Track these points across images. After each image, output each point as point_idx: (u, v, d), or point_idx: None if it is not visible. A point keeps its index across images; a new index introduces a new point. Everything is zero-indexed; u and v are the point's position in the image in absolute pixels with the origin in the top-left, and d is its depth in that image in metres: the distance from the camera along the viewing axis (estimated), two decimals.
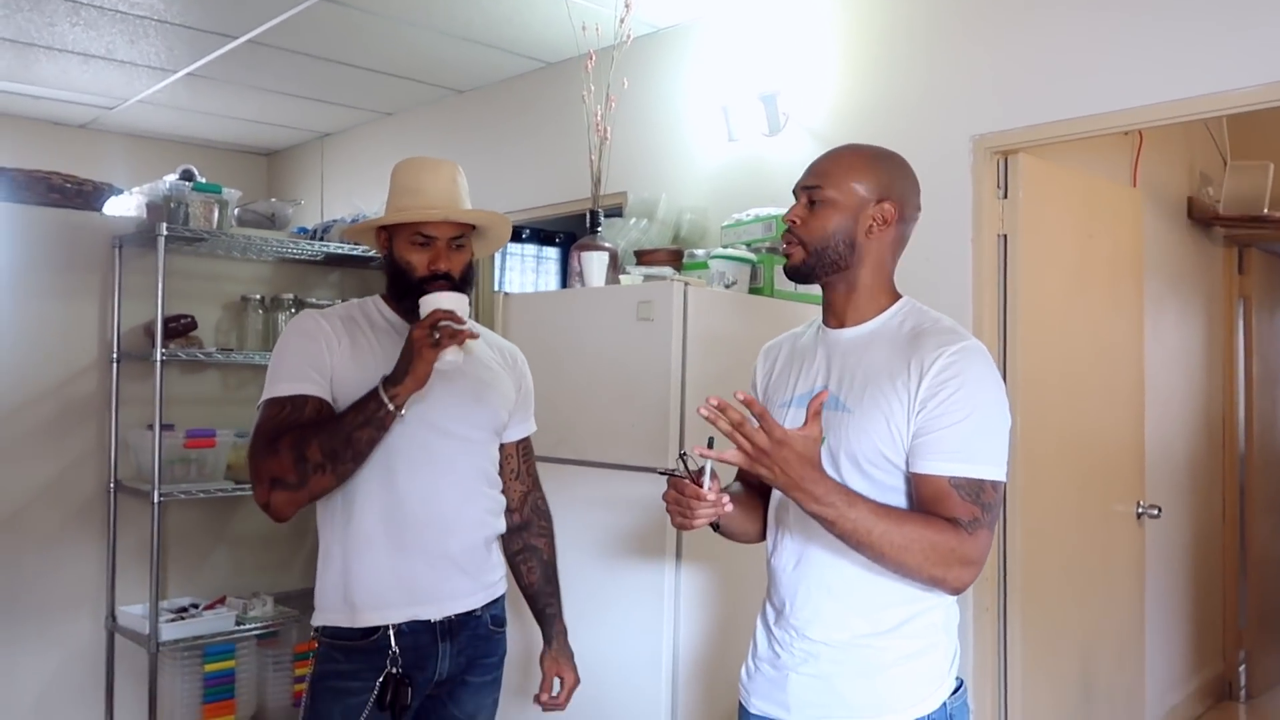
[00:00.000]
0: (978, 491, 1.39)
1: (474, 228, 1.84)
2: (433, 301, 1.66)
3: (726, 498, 1.44)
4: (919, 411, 1.42)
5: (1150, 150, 3.75)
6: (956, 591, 1.42)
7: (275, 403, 1.67)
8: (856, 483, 1.45)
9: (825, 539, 1.48)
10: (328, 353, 1.71)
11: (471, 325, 1.88)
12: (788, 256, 1.56)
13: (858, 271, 1.53)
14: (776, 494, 1.61)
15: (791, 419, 1.54)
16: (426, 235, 1.75)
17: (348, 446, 1.61)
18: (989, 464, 1.40)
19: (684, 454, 1.45)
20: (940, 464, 1.40)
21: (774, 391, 1.63)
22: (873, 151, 1.56)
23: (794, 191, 1.58)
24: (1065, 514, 2.98)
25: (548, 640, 2.01)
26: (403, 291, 1.78)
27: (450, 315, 1.62)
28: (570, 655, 2.01)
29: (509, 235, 1.94)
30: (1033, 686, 2.81)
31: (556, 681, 1.98)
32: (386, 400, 1.61)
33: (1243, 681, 4.45)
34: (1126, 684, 3.29)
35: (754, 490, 1.70)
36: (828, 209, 1.51)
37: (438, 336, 1.60)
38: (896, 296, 1.57)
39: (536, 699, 1.98)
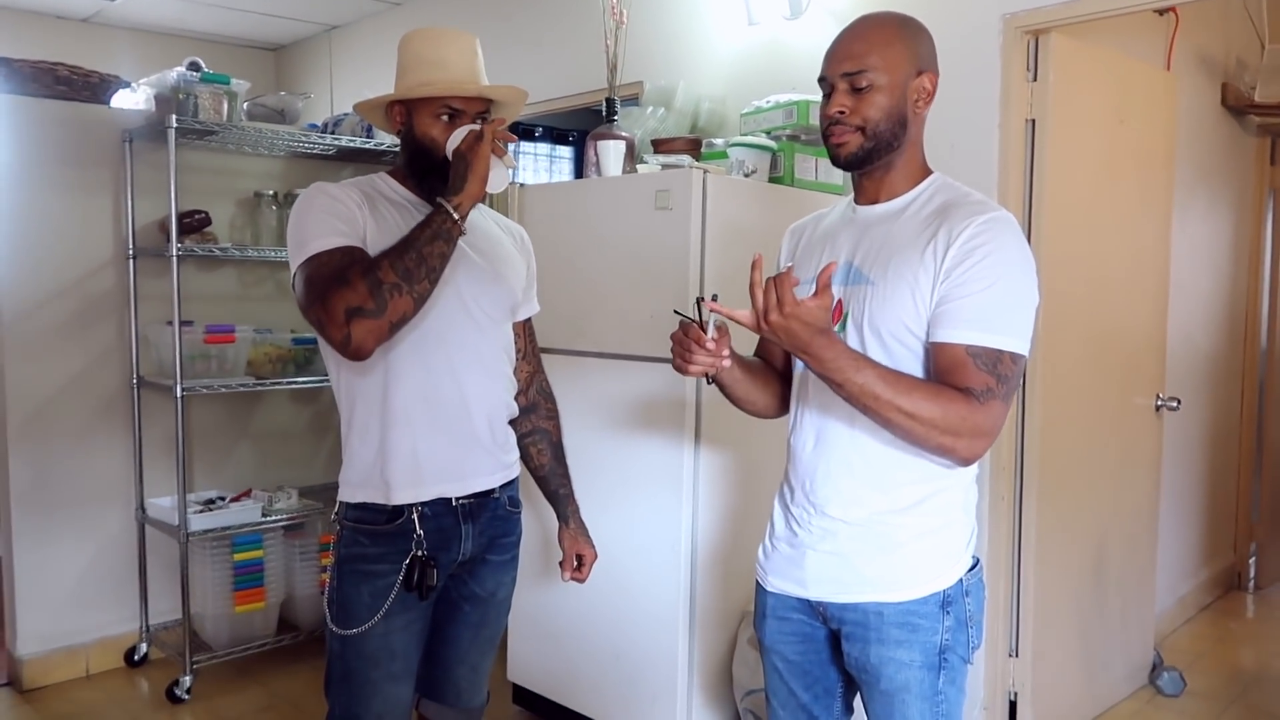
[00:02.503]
0: (994, 362, 1.37)
1: (493, 102, 1.80)
2: (463, 132, 1.64)
3: (727, 352, 1.46)
4: (943, 280, 1.39)
5: (1186, 33, 3.60)
6: (967, 462, 1.42)
7: (323, 254, 1.59)
8: (878, 355, 1.44)
9: (844, 418, 1.48)
10: (360, 217, 1.67)
11: (480, 208, 1.86)
12: (841, 145, 1.47)
13: (904, 150, 1.49)
14: (797, 374, 1.60)
15: None
16: (454, 109, 1.71)
17: (421, 264, 1.56)
18: (1009, 335, 1.38)
19: (700, 298, 1.46)
20: (958, 332, 1.38)
21: (799, 270, 1.61)
22: (895, 21, 1.49)
23: (825, 81, 1.49)
24: (1084, 403, 2.97)
25: (564, 519, 2.05)
26: (425, 169, 1.74)
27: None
28: (586, 531, 2.06)
29: (521, 110, 1.89)
30: (1046, 573, 2.85)
31: (576, 557, 2.04)
32: (451, 210, 1.59)
33: (1252, 573, 4.51)
34: (1137, 572, 3.33)
35: (770, 366, 1.69)
36: (875, 93, 1.44)
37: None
38: (929, 172, 1.53)
39: (562, 575, 2.05)
